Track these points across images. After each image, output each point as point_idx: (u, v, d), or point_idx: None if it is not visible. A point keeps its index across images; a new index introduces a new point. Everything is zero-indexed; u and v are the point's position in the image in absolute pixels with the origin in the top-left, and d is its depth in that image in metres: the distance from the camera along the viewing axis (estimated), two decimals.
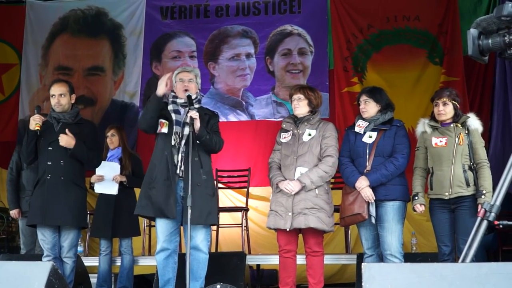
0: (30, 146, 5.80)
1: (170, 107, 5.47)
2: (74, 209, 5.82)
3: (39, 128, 5.69)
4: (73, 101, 6.01)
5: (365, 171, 5.44)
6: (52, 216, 5.72)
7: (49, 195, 5.73)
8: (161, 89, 5.34)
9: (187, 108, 5.33)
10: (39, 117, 5.71)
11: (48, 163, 5.78)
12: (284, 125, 5.80)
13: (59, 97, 5.89)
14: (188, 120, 5.28)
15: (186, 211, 5.04)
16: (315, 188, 5.47)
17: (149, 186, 5.38)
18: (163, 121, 5.42)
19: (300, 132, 5.65)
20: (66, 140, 5.76)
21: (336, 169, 5.67)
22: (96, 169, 6.62)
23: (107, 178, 6.76)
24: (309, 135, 5.61)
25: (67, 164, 5.81)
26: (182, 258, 5.35)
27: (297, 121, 5.74)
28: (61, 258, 5.87)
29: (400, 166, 5.41)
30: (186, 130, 5.32)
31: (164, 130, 5.40)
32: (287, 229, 5.44)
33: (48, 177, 5.76)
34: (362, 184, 5.38)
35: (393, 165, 5.39)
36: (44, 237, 5.81)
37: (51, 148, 5.80)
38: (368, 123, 5.55)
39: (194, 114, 5.23)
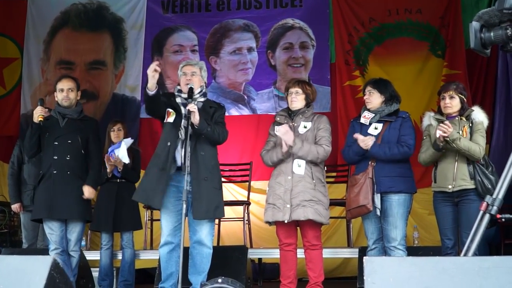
0: (33, 139, 5.82)
1: (178, 100, 5.44)
2: (81, 202, 5.85)
3: (42, 119, 5.70)
4: (78, 98, 6.08)
5: (370, 162, 5.42)
6: (59, 210, 5.75)
7: (56, 189, 5.75)
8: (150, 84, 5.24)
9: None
10: (41, 109, 5.73)
11: (54, 157, 5.80)
12: (278, 118, 5.77)
13: (68, 91, 5.94)
14: (186, 113, 5.27)
15: (191, 206, 5.07)
16: (313, 180, 5.47)
17: (145, 173, 5.43)
18: (170, 110, 5.40)
19: (296, 124, 5.63)
20: (90, 193, 5.89)
21: (325, 158, 5.64)
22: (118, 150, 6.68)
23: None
24: (305, 127, 5.60)
25: (73, 159, 5.85)
26: (186, 252, 5.35)
27: (291, 114, 5.73)
28: (67, 251, 5.88)
29: (403, 153, 5.39)
30: (185, 123, 5.30)
31: (170, 119, 5.38)
32: (286, 221, 5.43)
33: (54, 172, 5.78)
34: (367, 138, 5.40)
35: (397, 149, 5.37)
36: (52, 230, 5.80)
37: (57, 143, 5.83)
38: (373, 115, 5.54)
39: (192, 107, 5.20)
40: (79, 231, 5.92)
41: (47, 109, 5.86)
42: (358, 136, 5.44)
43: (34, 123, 5.74)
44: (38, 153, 6.00)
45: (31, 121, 5.82)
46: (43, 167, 5.90)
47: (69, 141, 5.86)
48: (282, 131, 5.45)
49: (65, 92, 5.93)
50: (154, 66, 5.18)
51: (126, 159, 6.67)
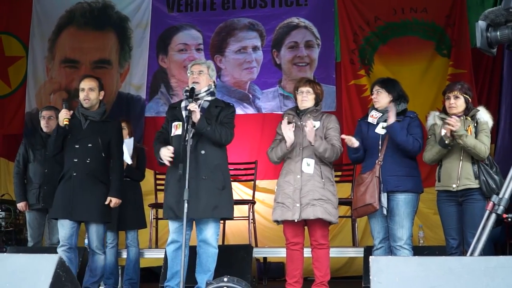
0: (58, 142, 5.79)
1: (182, 104, 5.46)
2: (100, 205, 5.85)
3: (67, 123, 5.65)
4: (101, 98, 5.99)
5: (377, 161, 5.42)
6: (78, 212, 5.75)
7: (75, 192, 5.74)
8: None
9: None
10: (66, 112, 5.67)
11: (75, 160, 5.78)
12: (286, 117, 5.75)
13: (89, 91, 5.85)
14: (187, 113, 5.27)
15: (188, 204, 5.05)
16: (322, 179, 5.46)
17: (165, 189, 5.47)
18: (177, 123, 5.41)
19: (304, 123, 5.62)
20: (115, 203, 5.94)
21: (338, 157, 5.65)
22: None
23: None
24: (314, 126, 5.58)
25: (93, 162, 5.82)
26: (192, 251, 5.35)
27: (299, 113, 5.72)
28: (75, 247, 5.91)
29: (414, 146, 5.38)
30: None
31: (179, 132, 5.38)
32: (296, 220, 5.43)
33: (74, 174, 5.77)
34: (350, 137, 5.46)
35: (412, 140, 5.37)
36: (63, 227, 5.80)
37: (78, 146, 5.80)
38: (381, 114, 5.53)
39: (192, 106, 5.20)
40: (100, 231, 5.93)
41: (71, 112, 5.78)
42: (343, 136, 5.53)
43: (60, 127, 5.69)
44: (60, 153, 5.99)
45: (57, 123, 5.77)
46: (64, 168, 5.88)
47: (90, 145, 5.81)
48: (310, 126, 5.42)
49: (85, 92, 5.84)
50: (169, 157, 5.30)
51: (128, 160, 6.68)
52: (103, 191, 5.89)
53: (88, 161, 5.79)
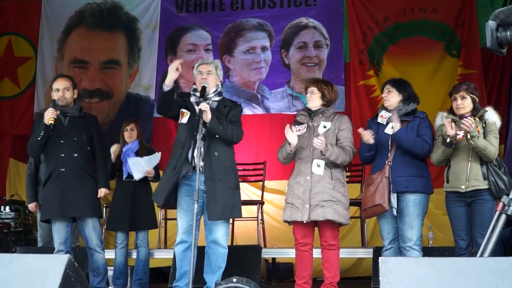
0: (43, 140, 5.83)
1: (192, 99, 5.44)
2: (92, 199, 5.93)
3: (52, 122, 5.71)
4: (75, 96, 6.09)
5: (387, 162, 5.40)
6: (70, 208, 5.80)
7: (65, 187, 5.79)
8: (168, 79, 5.25)
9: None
10: (52, 111, 5.74)
11: (61, 155, 5.84)
12: (298, 118, 5.76)
13: (64, 90, 5.95)
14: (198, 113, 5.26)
15: (206, 206, 5.06)
16: (332, 180, 5.45)
17: (162, 175, 5.48)
18: (184, 111, 5.39)
19: (315, 124, 5.61)
20: (104, 193, 6.05)
21: (350, 160, 5.63)
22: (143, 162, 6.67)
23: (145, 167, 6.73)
24: (325, 127, 5.57)
25: (80, 156, 5.90)
26: (200, 251, 5.36)
27: (311, 113, 5.71)
28: (73, 250, 5.96)
29: (424, 149, 5.37)
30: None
31: (184, 120, 5.37)
32: (305, 221, 5.42)
33: (62, 170, 5.82)
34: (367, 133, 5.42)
35: (421, 142, 5.35)
36: (58, 232, 5.86)
37: (62, 141, 5.87)
38: (391, 114, 5.51)
39: (204, 106, 5.18)
40: (97, 227, 5.99)
41: (58, 112, 5.85)
42: (360, 130, 5.47)
43: (46, 126, 5.74)
44: (40, 154, 6.12)
45: (42, 122, 5.81)
46: (50, 166, 5.92)
47: (75, 139, 5.91)
48: (318, 143, 5.36)
49: (60, 92, 5.93)
50: (177, 64, 5.20)
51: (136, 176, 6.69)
52: (92, 185, 5.97)
53: (75, 155, 5.87)
